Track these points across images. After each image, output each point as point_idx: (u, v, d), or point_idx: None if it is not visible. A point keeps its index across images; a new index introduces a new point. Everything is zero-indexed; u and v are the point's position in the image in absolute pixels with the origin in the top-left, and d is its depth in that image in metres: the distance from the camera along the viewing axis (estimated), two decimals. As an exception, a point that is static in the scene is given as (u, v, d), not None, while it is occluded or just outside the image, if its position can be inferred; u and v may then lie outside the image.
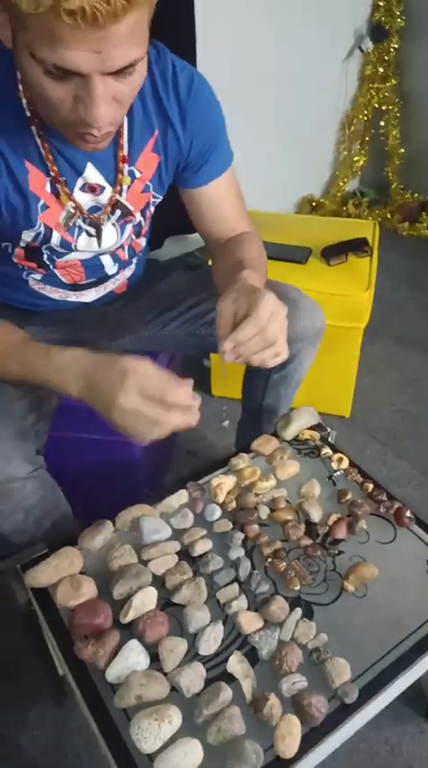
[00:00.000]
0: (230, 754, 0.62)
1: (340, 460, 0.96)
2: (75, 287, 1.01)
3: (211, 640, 0.72)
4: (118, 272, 1.03)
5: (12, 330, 0.87)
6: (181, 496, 0.90)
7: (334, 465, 0.95)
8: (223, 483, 0.90)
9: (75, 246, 0.92)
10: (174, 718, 0.64)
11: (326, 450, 0.97)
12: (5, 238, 0.90)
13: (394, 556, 0.83)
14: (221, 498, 0.89)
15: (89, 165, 0.86)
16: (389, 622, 0.75)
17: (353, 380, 1.57)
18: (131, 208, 0.93)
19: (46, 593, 0.78)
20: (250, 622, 0.74)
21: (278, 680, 0.68)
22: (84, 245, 0.92)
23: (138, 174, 0.91)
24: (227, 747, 0.62)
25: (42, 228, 0.88)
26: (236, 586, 0.78)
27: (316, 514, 0.87)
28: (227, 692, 0.67)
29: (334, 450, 0.98)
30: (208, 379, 1.68)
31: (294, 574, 0.80)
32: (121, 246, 0.99)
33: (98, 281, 1.02)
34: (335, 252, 1.46)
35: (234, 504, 0.89)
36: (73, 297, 1.02)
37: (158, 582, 0.79)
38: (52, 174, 0.84)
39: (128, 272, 1.06)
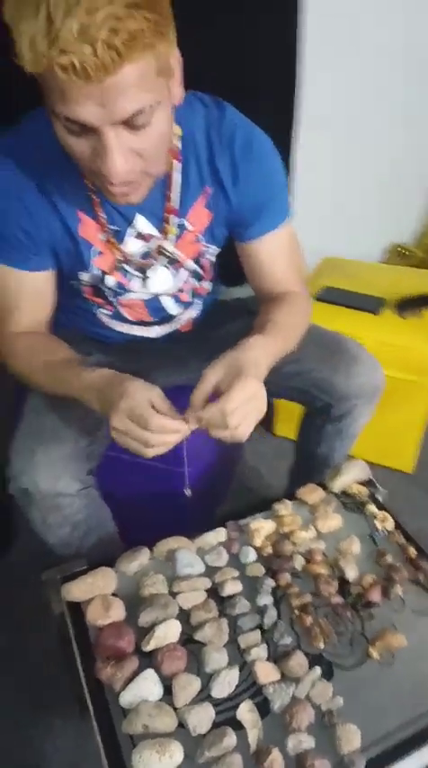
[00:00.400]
0: (225, 801, 0.62)
1: (384, 519, 0.94)
2: (141, 323, 1.06)
3: (226, 684, 0.73)
4: (182, 313, 1.07)
5: (58, 349, 0.94)
6: (219, 534, 0.92)
7: (378, 524, 0.94)
8: (262, 527, 0.91)
9: (130, 288, 0.99)
10: (176, 753, 0.65)
11: (372, 508, 0.96)
12: (69, 278, 0.98)
13: (427, 628, 0.81)
14: (258, 542, 0.90)
15: (138, 215, 0.92)
16: (411, 696, 0.73)
17: (419, 436, 1.53)
18: (180, 255, 0.98)
19: (78, 608, 0.82)
20: (267, 673, 0.74)
21: (285, 736, 0.68)
22: (138, 287, 0.98)
23: (189, 227, 0.95)
24: (224, 795, 0.63)
25: (97, 271, 0.95)
26: (258, 633, 0.79)
27: (351, 573, 0.86)
28: (231, 738, 0.67)
29: (380, 508, 0.97)
30: (270, 417, 1.70)
31: (320, 631, 0.79)
32: (181, 289, 1.03)
33: (162, 320, 1.07)
34: (411, 305, 1.44)
35: (270, 550, 0.90)
36: (138, 332, 1.08)
37: (184, 616, 0.81)
38: (101, 223, 0.91)
39: (193, 312, 1.10)
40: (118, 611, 0.80)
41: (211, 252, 1.00)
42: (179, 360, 1.14)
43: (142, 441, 0.78)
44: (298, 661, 0.75)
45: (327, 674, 0.75)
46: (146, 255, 0.95)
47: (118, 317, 1.05)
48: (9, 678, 1.17)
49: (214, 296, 1.16)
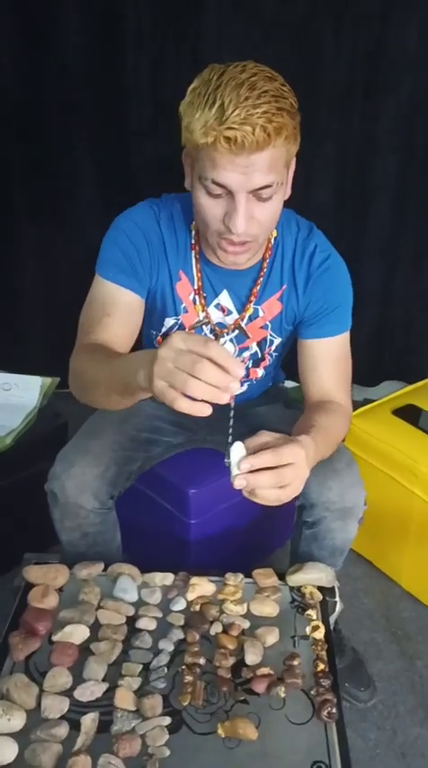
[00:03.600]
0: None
1: (315, 629, 0.96)
2: None
3: (88, 692, 0.85)
4: None
5: (112, 352, 1.03)
6: (167, 578, 1.03)
7: (308, 630, 0.96)
8: (199, 586, 1.01)
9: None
10: (17, 720, 0.80)
11: (311, 613, 0.99)
12: (153, 326, 1.19)
13: (288, 738, 0.82)
14: (190, 597, 1.00)
15: (225, 291, 1.12)
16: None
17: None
18: (249, 335, 1.14)
19: (30, 588, 1.01)
20: (123, 699, 0.84)
21: (106, 755, 0.78)
22: None
23: (261, 313, 1.13)
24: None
25: (179, 323, 1.16)
26: (139, 667, 0.89)
27: (251, 657, 0.91)
28: (63, 731, 0.80)
29: (323, 618, 0.99)
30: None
31: (191, 691, 0.86)
32: None
33: None
34: None
35: (198, 608, 0.99)
36: None
37: (96, 627, 0.94)
38: (197, 287, 1.11)
39: (239, 391, 1.23)
40: (51, 601, 0.97)
41: (274, 341, 1.16)
42: (214, 426, 1.28)
43: (189, 366, 0.69)
44: (153, 703, 0.84)
45: (174, 728, 0.83)
46: (221, 326, 1.15)
47: None
48: None
49: (267, 383, 1.28)
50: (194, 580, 1.02)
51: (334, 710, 0.85)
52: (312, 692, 0.88)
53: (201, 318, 1.14)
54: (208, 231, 0.99)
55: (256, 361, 1.20)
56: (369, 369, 2.18)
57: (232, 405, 0.79)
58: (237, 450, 0.83)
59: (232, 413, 0.83)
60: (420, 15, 1.72)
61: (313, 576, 1.04)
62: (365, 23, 1.75)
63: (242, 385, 1.23)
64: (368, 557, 1.63)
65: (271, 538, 1.60)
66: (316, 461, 0.97)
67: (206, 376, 0.69)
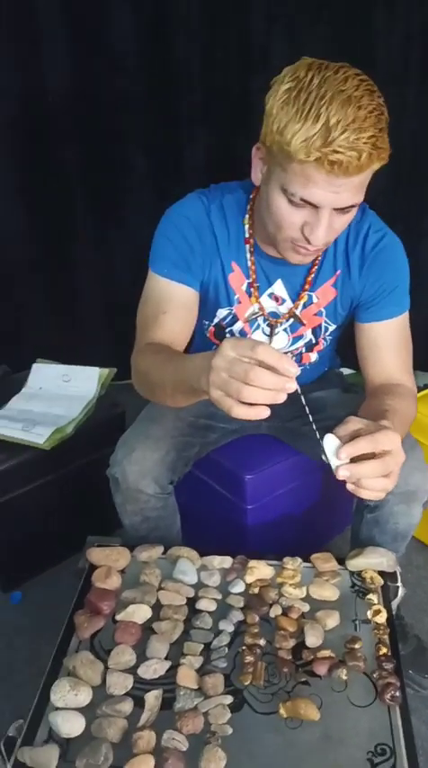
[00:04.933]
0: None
1: (377, 613, 0.95)
2: None
3: (151, 670, 0.87)
4: None
5: (173, 352, 1.04)
6: (225, 561, 1.04)
7: (370, 614, 0.95)
8: (258, 569, 1.01)
9: (250, 338, 1.15)
10: (83, 695, 0.83)
11: (372, 597, 0.97)
12: (206, 316, 1.19)
13: (350, 720, 0.82)
14: (249, 579, 1.00)
15: (279, 281, 1.11)
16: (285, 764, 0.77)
17: None
18: (304, 322, 1.13)
19: (94, 569, 1.04)
20: (186, 678, 0.86)
21: (170, 731, 0.80)
22: (257, 339, 1.15)
23: (315, 300, 1.12)
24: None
25: (232, 314, 1.15)
26: (200, 647, 0.90)
27: (311, 640, 0.91)
28: (128, 707, 0.82)
29: (386, 602, 0.97)
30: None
31: (252, 671, 0.87)
32: (290, 353, 1.17)
33: None
34: None
35: (257, 591, 0.99)
36: None
37: (157, 607, 0.96)
38: (251, 279, 1.11)
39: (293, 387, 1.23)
40: (113, 582, 1.00)
41: (329, 328, 1.15)
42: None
43: (243, 375, 0.69)
44: (214, 681, 0.85)
45: (235, 707, 0.84)
46: (275, 315, 1.14)
47: None
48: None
49: (322, 367, 1.26)
50: (252, 563, 1.02)
51: (397, 694, 0.84)
52: (374, 676, 0.87)
53: (256, 311, 1.13)
54: (280, 234, 0.97)
55: (310, 346, 1.19)
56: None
57: (300, 392, 0.75)
58: (330, 441, 0.80)
59: (305, 402, 0.80)
60: None
61: (374, 561, 1.03)
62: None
63: None
64: (431, 544, 1.59)
65: (330, 524, 1.59)
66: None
67: (260, 381, 0.69)
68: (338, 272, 1.10)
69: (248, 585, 1.00)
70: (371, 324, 1.09)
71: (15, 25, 1.70)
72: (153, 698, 0.84)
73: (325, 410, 1.18)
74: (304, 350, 1.19)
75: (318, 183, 0.87)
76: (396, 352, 1.10)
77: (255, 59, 1.79)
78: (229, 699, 0.84)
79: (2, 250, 1.99)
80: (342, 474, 0.78)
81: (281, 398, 0.71)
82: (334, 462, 0.79)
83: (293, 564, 1.03)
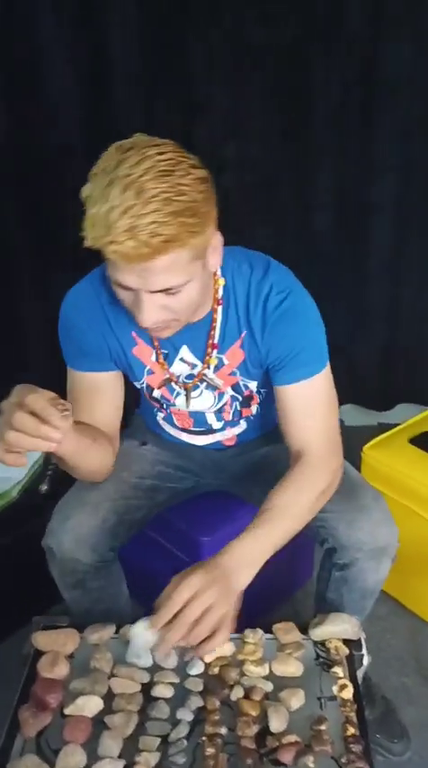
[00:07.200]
0: None
1: (343, 688, 0.90)
2: (188, 431, 1.19)
3: (103, 773, 0.80)
4: (224, 428, 1.17)
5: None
6: (182, 637, 0.98)
7: (335, 689, 0.91)
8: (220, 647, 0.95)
9: (174, 402, 1.12)
10: None
11: (337, 671, 0.93)
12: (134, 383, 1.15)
13: None
14: (208, 659, 0.94)
15: (184, 346, 1.07)
16: None
17: None
18: (219, 383, 1.09)
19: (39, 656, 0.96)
20: (142, 779, 0.79)
21: None
22: (181, 403, 1.12)
23: (226, 362, 1.07)
24: None
25: (145, 384, 1.11)
26: (157, 741, 0.84)
27: (276, 725, 0.85)
28: None
29: (351, 675, 0.93)
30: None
31: (213, 765, 0.81)
32: (223, 409, 1.13)
33: (206, 431, 1.19)
34: None
35: (217, 671, 0.93)
36: (186, 438, 1.21)
37: (110, 697, 0.89)
38: (155, 348, 1.07)
39: (237, 430, 1.19)
40: (61, 670, 0.92)
41: (249, 384, 1.10)
42: (221, 467, 1.24)
43: (7, 417, 0.77)
44: (173, 782, 0.79)
45: (197, 810, 0.77)
46: (190, 377, 1.10)
47: (169, 421, 1.20)
48: None
49: (267, 421, 1.21)
50: (212, 640, 0.96)
51: (366, 784, 0.79)
52: (343, 761, 0.82)
53: (167, 377, 1.10)
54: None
55: (245, 400, 1.14)
56: (381, 392, 2.13)
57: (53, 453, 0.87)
58: (139, 634, 0.90)
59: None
60: (411, 31, 1.70)
61: (338, 629, 0.98)
62: (356, 44, 1.73)
63: (237, 422, 1.18)
64: (393, 594, 1.56)
65: (291, 581, 1.54)
66: (277, 546, 0.95)
67: (22, 426, 0.74)
68: (243, 333, 1.04)
69: (207, 665, 0.94)
70: (283, 387, 1.03)
71: None
72: (105, 806, 0.77)
73: (273, 467, 1.14)
74: (238, 405, 1.14)
75: (120, 268, 0.84)
76: (310, 416, 1.04)
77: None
78: (190, 800, 0.78)
79: None
80: (162, 654, 0.88)
81: (46, 447, 0.79)
82: (145, 655, 0.91)
83: (254, 637, 0.98)
